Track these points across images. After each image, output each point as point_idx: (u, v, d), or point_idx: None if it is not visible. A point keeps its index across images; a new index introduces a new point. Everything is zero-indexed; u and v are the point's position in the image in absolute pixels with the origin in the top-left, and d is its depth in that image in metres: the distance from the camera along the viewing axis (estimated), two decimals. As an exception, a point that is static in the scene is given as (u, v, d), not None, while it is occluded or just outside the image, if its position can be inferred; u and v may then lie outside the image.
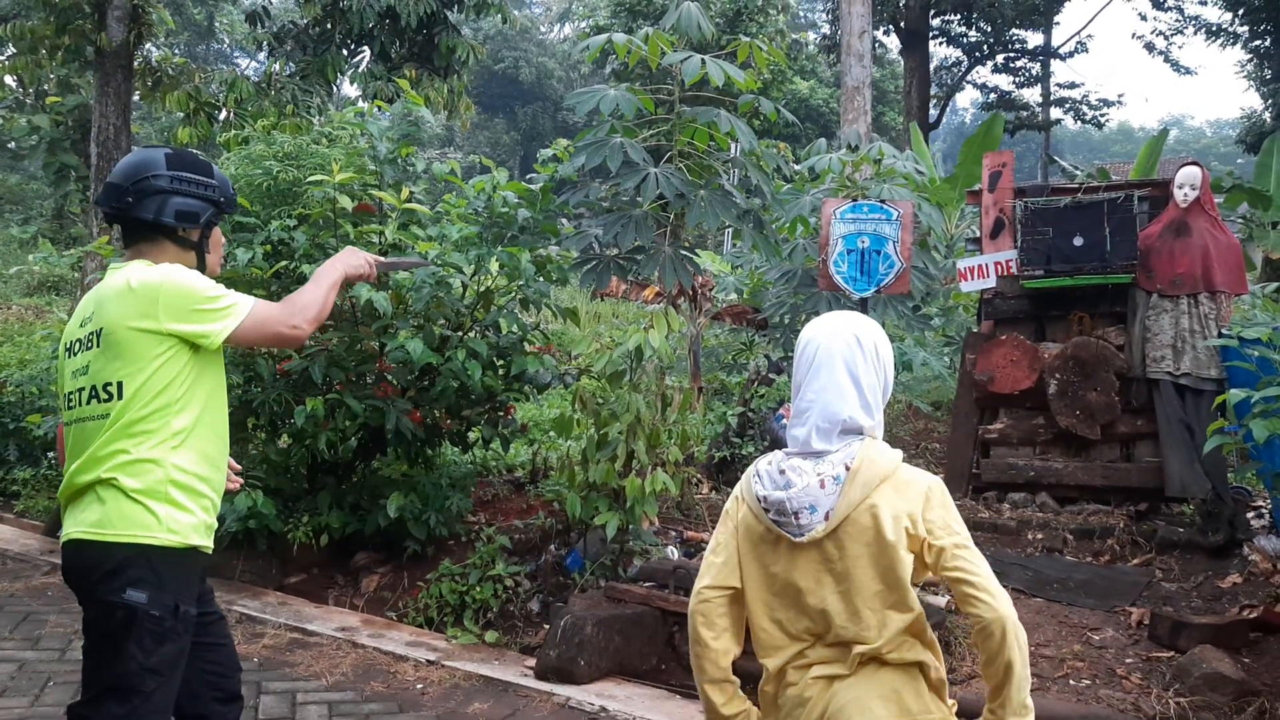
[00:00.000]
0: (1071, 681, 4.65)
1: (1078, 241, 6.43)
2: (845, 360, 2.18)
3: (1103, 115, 29.29)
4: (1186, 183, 6.22)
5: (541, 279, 6.02)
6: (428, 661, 4.98)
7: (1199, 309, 6.18)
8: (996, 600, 2.00)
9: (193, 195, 2.75)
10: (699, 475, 7.25)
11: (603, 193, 5.81)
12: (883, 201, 6.51)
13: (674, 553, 5.80)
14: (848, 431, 2.15)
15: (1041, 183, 7.15)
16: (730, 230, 12.86)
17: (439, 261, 5.57)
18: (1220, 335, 5.99)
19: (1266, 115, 25.25)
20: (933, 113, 29.12)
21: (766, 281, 8.83)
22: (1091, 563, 5.97)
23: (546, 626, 5.31)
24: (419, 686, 4.74)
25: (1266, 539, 5.67)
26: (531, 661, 5.03)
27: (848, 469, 2.10)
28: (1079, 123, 31.05)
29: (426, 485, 6.14)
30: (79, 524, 2.59)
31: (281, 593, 5.99)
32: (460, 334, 5.99)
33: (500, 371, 6.27)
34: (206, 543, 2.68)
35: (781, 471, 2.14)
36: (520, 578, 5.82)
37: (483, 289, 6.14)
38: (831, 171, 8.13)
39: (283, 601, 5.81)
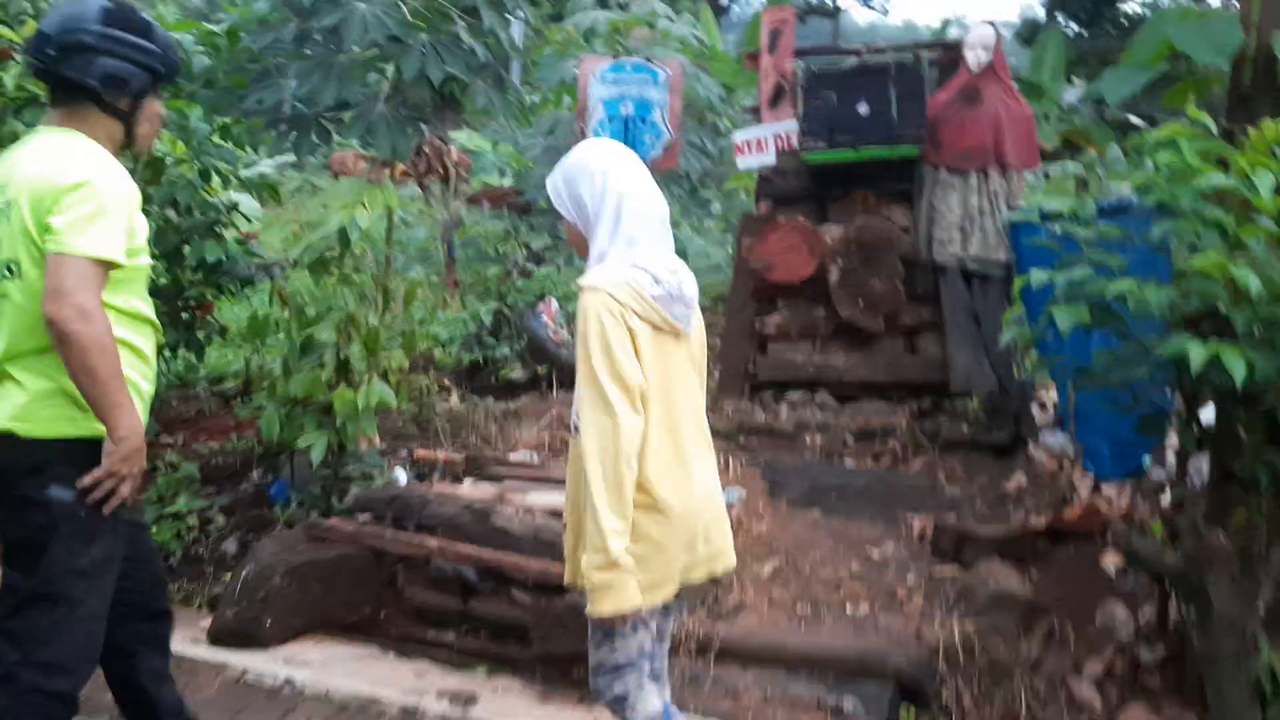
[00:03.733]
0: (849, 608, 4.07)
1: (862, 109, 5.73)
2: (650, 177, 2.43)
3: (887, 3, 29.30)
4: (979, 44, 5.60)
5: (228, 145, 4.82)
6: None
7: (989, 185, 5.63)
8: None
9: (125, 58, 2.51)
10: (444, 382, 6.31)
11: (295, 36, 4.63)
12: (648, 60, 5.61)
13: (402, 476, 4.88)
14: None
15: (826, 47, 6.40)
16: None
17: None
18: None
19: (1041, 10, 25.80)
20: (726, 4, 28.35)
21: (528, 161, 7.86)
22: (872, 468, 5.43)
23: (240, 574, 4.31)
24: None
25: (1053, 435, 5.26)
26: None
27: None
28: (867, 8, 31.03)
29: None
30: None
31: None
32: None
33: (187, 263, 5.08)
34: None
35: (672, 272, 2.36)
36: (213, 513, 4.77)
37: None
38: (598, 34, 7.16)
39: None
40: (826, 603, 4.10)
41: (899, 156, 5.79)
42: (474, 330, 6.61)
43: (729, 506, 3.15)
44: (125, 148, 2.64)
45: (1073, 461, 5.01)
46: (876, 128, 5.77)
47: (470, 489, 4.54)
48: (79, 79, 2.47)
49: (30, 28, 4.40)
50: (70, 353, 2.31)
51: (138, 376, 2.56)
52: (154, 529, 4.47)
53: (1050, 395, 5.84)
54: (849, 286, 5.91)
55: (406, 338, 4.81)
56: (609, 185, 2.33)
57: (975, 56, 5.60)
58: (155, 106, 2.66)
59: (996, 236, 5.59)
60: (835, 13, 30.24)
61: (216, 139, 4.69)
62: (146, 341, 2.63)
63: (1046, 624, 3.88)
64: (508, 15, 4.96)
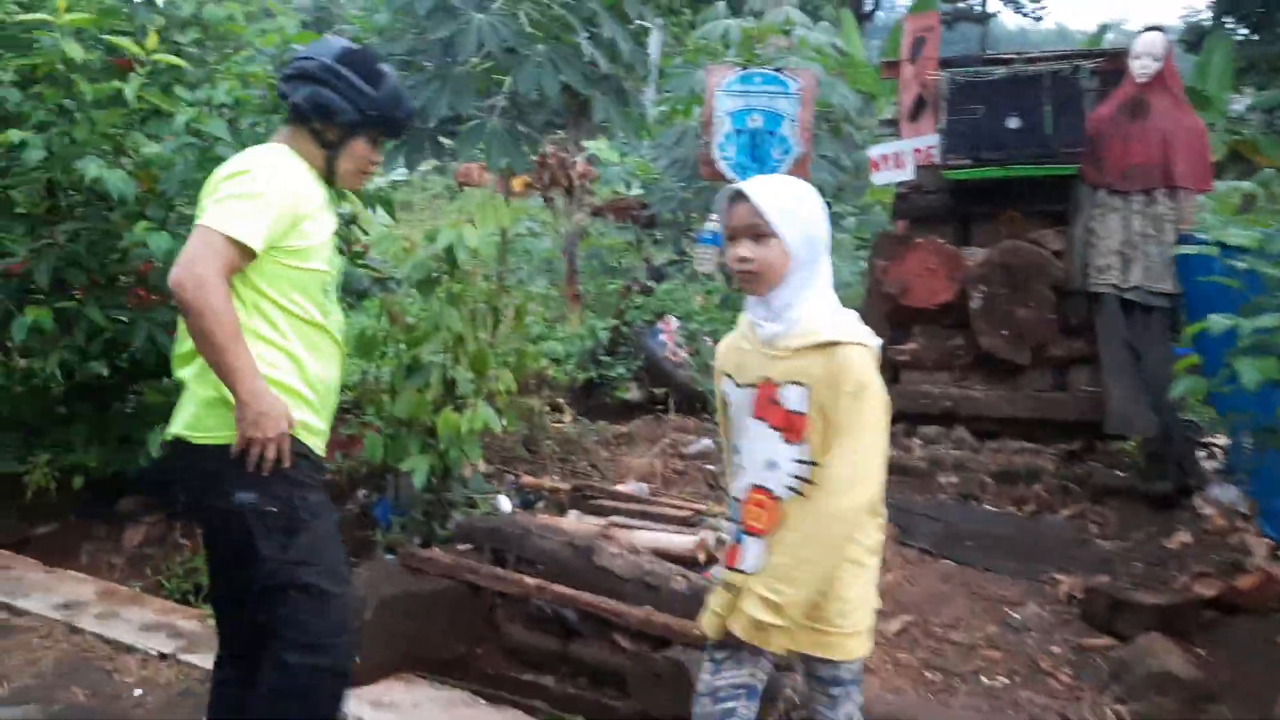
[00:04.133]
0: (984, 679, 3.66)
1: (1013, 123, 5.29)
2: None
3: (1041, 8, 28.04)
4: (1146, 52, 5.08)
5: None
6: (160, 655, 3.80)
7: (1154, 208, 5.10)
8: None
9: (341, 93, 2.62)
10: (557, 401, 6.10)
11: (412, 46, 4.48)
12: (778, 70, 5.29)
13: (505, 504, 4.66)
14: None
15: (974, 53, 5.97)
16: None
17: (196, 129, 4.25)
18: (1180, 241, 4.93)
19: (1209, 13, 24.25)
20: (869, 3, 27.60)
21: (655, 173, 7.61)
22: (1014, 513, 4.98)
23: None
24: (136, 692, 3.57)
25: (1221, 488, 4.70)
26: (304, 651, 3.89)
27: None
28: (1019, 14, 29.76)
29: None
30: (176, 422, 2.58)
31: (12, 550, 4.75)
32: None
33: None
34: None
35: None
36: (317, 533, 4.65)
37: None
38: (730, 42, 6.87)
39: (4, 565, 4.57)
40: (960, 671, 3.70)
41: (1052, 175, 5.32)
42: (590, 347, 6.39)
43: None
44: (328, 181, 2.73)
45: (1246, 519, 4.46)
46: (1028, 143, 5.33)
47: (574, 522, 4.29)
48: (294, 100, 2.62)
49: (153, 40, 4.37)
50: (188, 319, 2.38)
51: (297, 382, 2.58)
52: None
53: (1220, 440, 5.26)
54: (993, 314, 5.46)
55: (516, 358, 4.60)
56: (828, 227, 2.27)
57: (1141, 65, 5.08)
58: (363, 149, 2.73)
59: (1161, 265, 5.05)
60: (985, 18, 29.08)
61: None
62: (313, 351, 2.62)
63: (1216, 713, 3.40)
64: (646, 24, 4.71)
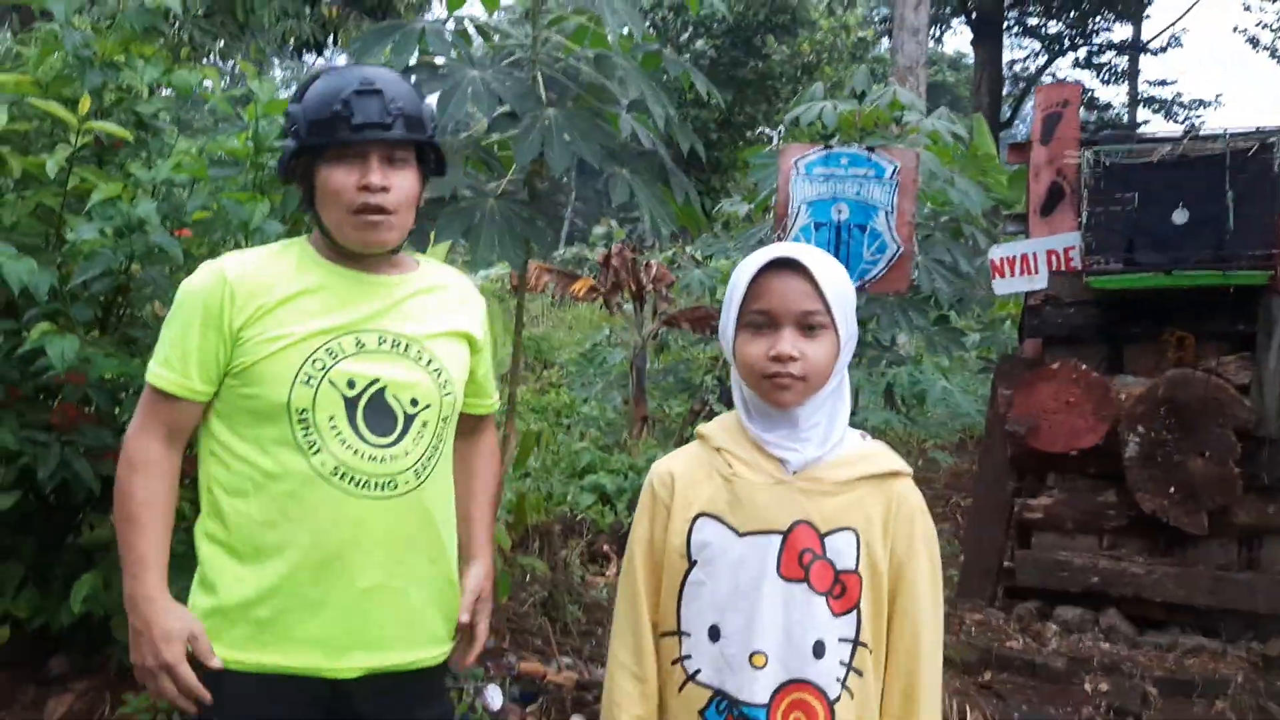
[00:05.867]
0: None
1: (1179, 218, 4.15)
2: None
3: (1197, 117, 26.33)
4: (1366, 125, 3.86)
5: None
6: None
7: (1381, 331, 3.81)
8: None
9: (283, 133, 2.09)
10: (604, 547, 5.04)
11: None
12: (870, 150, 4.24)
13: (495, 698, 3.59)
14: None
15: (1128, 124, 4.80)
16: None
17: (124, 221, 3.46)
18: None
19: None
20: (1006, 114, 26.54)
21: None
22: (1191, 745, 3.64)
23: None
24: None
25: None
26: None
27: None
28: (1170, 121, 28.20)
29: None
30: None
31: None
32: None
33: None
34: None
35: None
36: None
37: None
38: (826, 128, 5.88)
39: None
40: None
41: (1235, 284, 4.13)
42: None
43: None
44: (344, 252, 1.97)
45: None
46: (1200, 243, 4.19)
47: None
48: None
49: (85, 104, 3.65)
50: None
51: (221, 556, 1.90)
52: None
53: None
54: (1155, 465, 4.20)
55: (514, 505, 3.58)
56: None
57: (1361, 142, 3.86)
58: (330, 181, 1.89)
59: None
60: (1132, 130, 27.47)
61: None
62: (248, 503, 1.88)
63: None
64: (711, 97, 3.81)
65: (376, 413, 1.91)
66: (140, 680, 1.87)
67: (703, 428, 1.83)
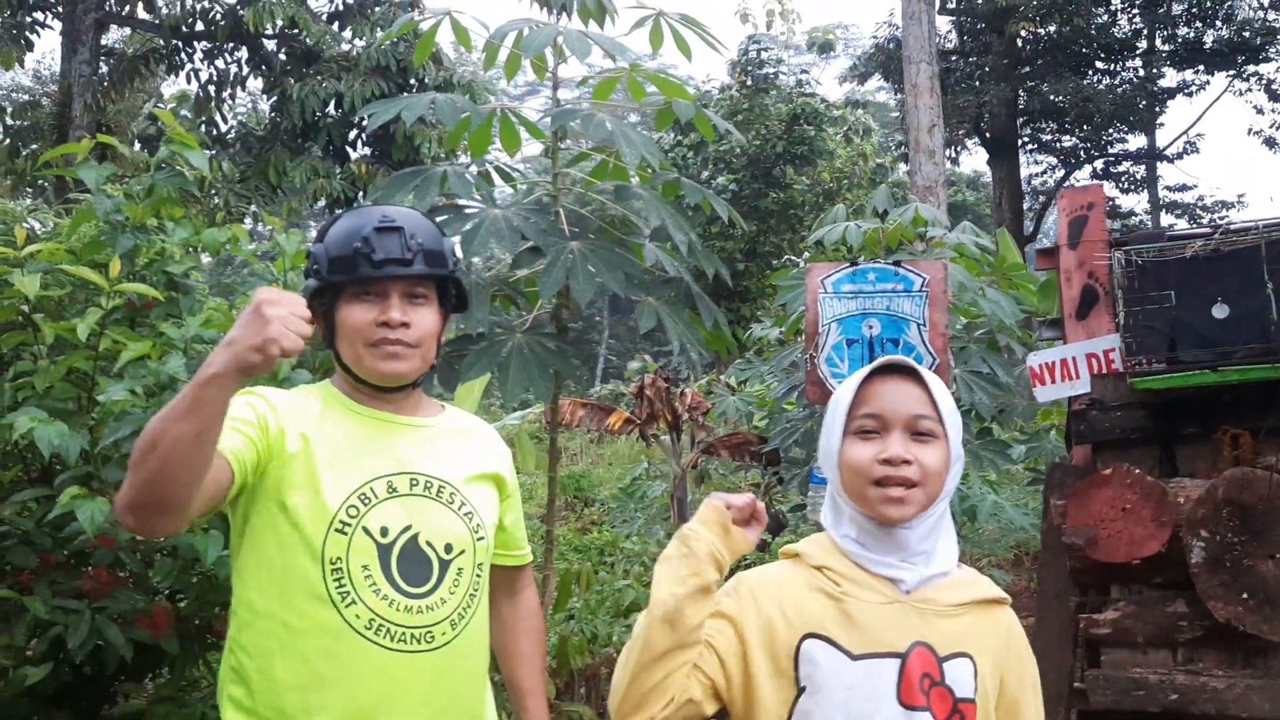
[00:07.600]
0: None
1: (1219, 312, 4.02)
2: None
3: (1222, 219, 26.31)
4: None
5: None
6: None
7: None
8: None
9: (306, 274, 1.98)
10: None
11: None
12: (898, 265, 4.22)
13: None
14: None
15: (1153, 229, 4.74)
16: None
17: (153, 379, 3.47)
18: None
19: None
20: (1029, 229, 26.64)
21: (770, 401, 6.55)
22: None
23: None
24: None
25: None
26: None
27: None
28: (1194, 224, 28.20)
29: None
30: None
31: None
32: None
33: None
34: None
35: None
36: None
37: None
38: (847, 245, 5.90)
39: None
40: None
41: (1286, 377, 3.96)
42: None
43: None
44: (367, 389, 1.97)
45: None
46: (1245, 337, 4.02)
47: None
48: None
49: (115, 267, 3.72)
50: (134, 493, 1.74)
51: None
52: None
53: None
54: (1224, 570, 3.97)
55: (556, 649, 3.44)
56: None
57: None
58: (351, 317, 1.89)
59: None
60: (1159, 236, 27.42)
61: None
62: (273, 664, 1.77)
63: None
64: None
65: (410, 561, 1.82)
66: (252, 343, 1.58)
67: (794, 546, 1.70)
